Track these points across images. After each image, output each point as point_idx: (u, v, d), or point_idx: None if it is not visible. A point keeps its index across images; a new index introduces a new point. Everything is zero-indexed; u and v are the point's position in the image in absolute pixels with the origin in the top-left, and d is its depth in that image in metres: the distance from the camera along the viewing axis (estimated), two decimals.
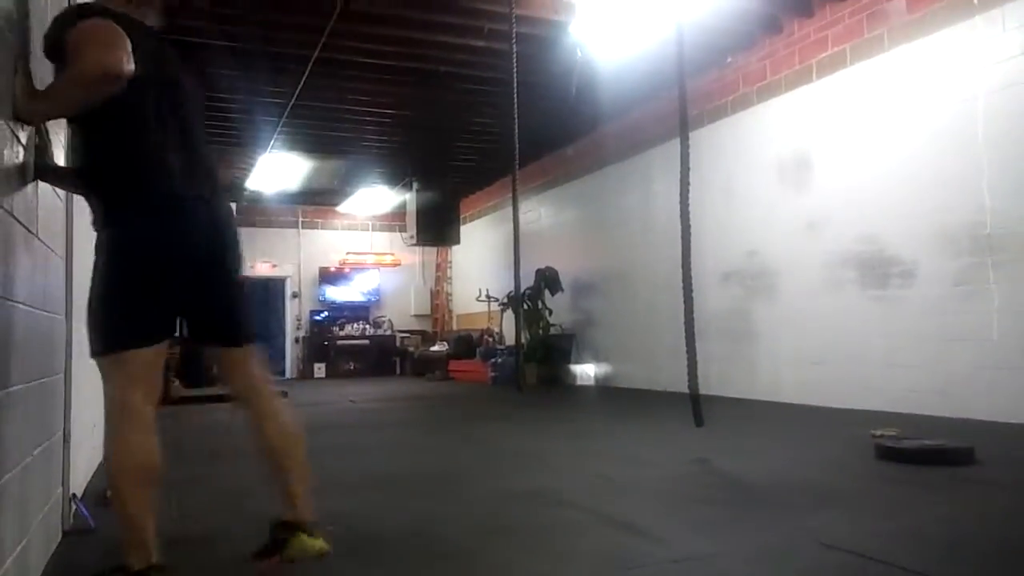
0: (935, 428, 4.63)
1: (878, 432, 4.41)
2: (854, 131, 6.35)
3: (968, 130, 5.41)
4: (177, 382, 9.26)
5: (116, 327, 1.99)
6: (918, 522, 2.70)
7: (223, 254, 2.15)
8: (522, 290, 9.13)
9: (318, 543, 2.15)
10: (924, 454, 3.74)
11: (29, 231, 2.08)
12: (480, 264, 13.87)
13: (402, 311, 15.21)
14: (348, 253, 15.07)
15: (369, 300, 15.00)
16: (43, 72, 2.13)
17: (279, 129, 9.44)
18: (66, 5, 2.64)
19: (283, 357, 14.45)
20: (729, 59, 7.65)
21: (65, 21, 1.98)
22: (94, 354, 2.01)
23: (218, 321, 2.18)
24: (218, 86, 7.69)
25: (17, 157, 1.96)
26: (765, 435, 5.19)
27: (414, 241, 12.83)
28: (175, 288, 2.04)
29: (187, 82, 2.20)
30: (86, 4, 2.11)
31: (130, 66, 1.86)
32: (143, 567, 1.91)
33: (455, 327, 15.13)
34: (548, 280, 10.51)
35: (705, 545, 2.49)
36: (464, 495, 3.41)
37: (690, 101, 5.89)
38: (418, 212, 12.39)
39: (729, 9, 6.63)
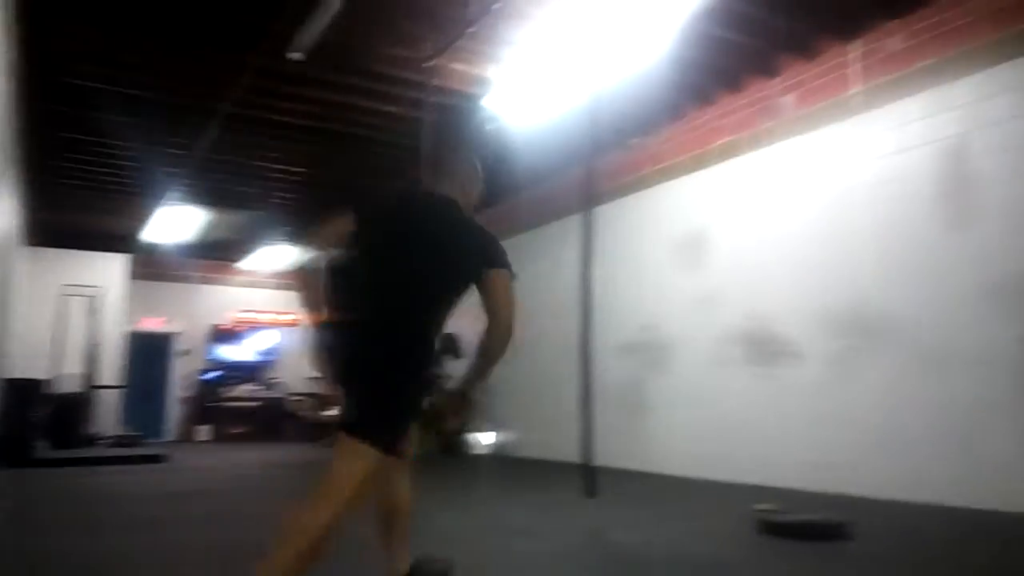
0: (815, 503, 4.79)
1: (760, 507, 4.52)
2: (746, 214, 6.71)
3: (847, 220, 5.81)
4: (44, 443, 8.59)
5: None
6: None
7: None
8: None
9: None
10: (801, 529, 3.85)
11: None
12: None
13: (299, 373, 14.73)
14: (243, 311, 14.57)
15: (264, 360, 14.46)
16: None
17: (180, 180, 9.17)
18: None
19: (163, 418, 13.63)
20: (634, 140, 7.99)
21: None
22: None
23: None
24: (114, 133, 7.44)
25: None
26: (656, 507, 5.24)
27: None
28: None
29: None
30: None
31: None
32: None
33: None
34: (451, 346, 10.44)
35: None
36: (346, 571, 3.26)
37: (596, 178, 6.13)
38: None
39: (635, 95, 6.96)
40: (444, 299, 2.45)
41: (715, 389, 6.76)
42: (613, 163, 8.18)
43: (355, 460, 2.25)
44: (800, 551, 3.57)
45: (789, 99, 6.43)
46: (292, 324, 14.86)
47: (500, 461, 9.19)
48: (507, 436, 9.81)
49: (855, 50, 5.90)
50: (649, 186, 7.89)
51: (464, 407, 2.54)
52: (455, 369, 10.25)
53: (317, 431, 12.88)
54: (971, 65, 5.12)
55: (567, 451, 7.88)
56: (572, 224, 8.36)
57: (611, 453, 7.02)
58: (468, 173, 2.80)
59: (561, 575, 3.14)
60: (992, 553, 3.60)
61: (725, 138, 7.01)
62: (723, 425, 6.61)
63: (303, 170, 9.26)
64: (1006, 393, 4.70)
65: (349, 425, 2.29)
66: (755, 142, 6.70)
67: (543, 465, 8.16)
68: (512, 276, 2.48)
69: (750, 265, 6.60)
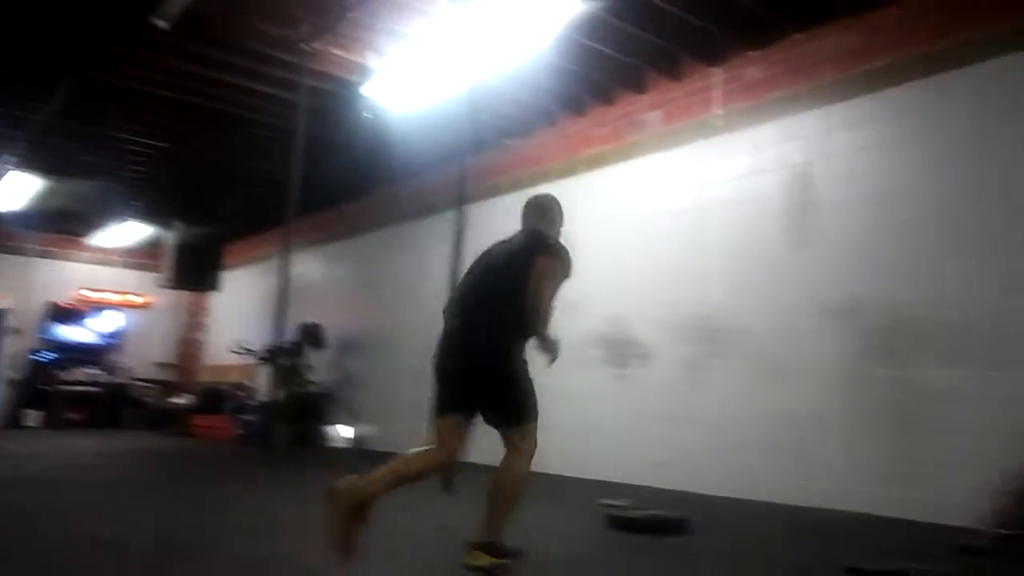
0: (661, 500, 5.05)
1: (608, 502, 4.72)
2: (611, 222, 6.97)
3: (702, 235, 6.18)
4: None
5: None
6: None
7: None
8: (283, 344, 8.78)
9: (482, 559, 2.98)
10: (647, 524, 4.07)
11: None
12: (240, 314, 13.12)
13: (146, 358, 13.90)
14: (86, 289, 13.58)
15: (107, 343, 13.52)
16: None
17: (22, 145, 8.43)
18: None
19: None
20: (508, 143, 8.12)
21: None
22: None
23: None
24: None
25: None
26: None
27: (170, 284, 11.90)
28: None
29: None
30: None
31: None
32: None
33: (204, 379, 14.09)
34: (312, 336, 10.19)
35: None
36: (194, 566, 3.13)
37: (468, 177, 6.19)
38: (177, 253, 11.55)
39: (512, 96, 7.09)
40: (509, 300, 3.06)
41: (574, 389, 6.98)
42: (488, 163, 8.26)
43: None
44: (644, 545, 3.77)
45: (656, 115, 6.75)
46: (139, 306, 14.02)
47: (359, 454, 9.07)
48: (366, 430, 9.69)
49: (718, 75, 6.28)
50: (521, 188, 8.00)
51: (554, 350, 3.21)
52: (316, 359, 10.03)
53: (162, 418, 12.21)
54: (818, 100, 5.59)
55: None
56: (444, 221, 8.41)
57: (471, 450, 7.11)
58: (556, 216, 3.58)
59: (406, 570, 3.15)
60: (813, 547, 3.95)
61: (595, 147, 7.26)
62: (580, 424, 6.84)
63: (164, 145, 8.76)
64: (835, 403, 5.16)
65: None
66: (623, 154, 6.98)
67: None
68: (554, 255, 3.11)
69: (612, 273, 6.86)
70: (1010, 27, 4.67)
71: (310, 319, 10.22)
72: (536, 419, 3.25)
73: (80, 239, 13.14)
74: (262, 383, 11.30)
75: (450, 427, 3.14)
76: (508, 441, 3.24)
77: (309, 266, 11.45)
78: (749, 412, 5.62)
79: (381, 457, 8.44)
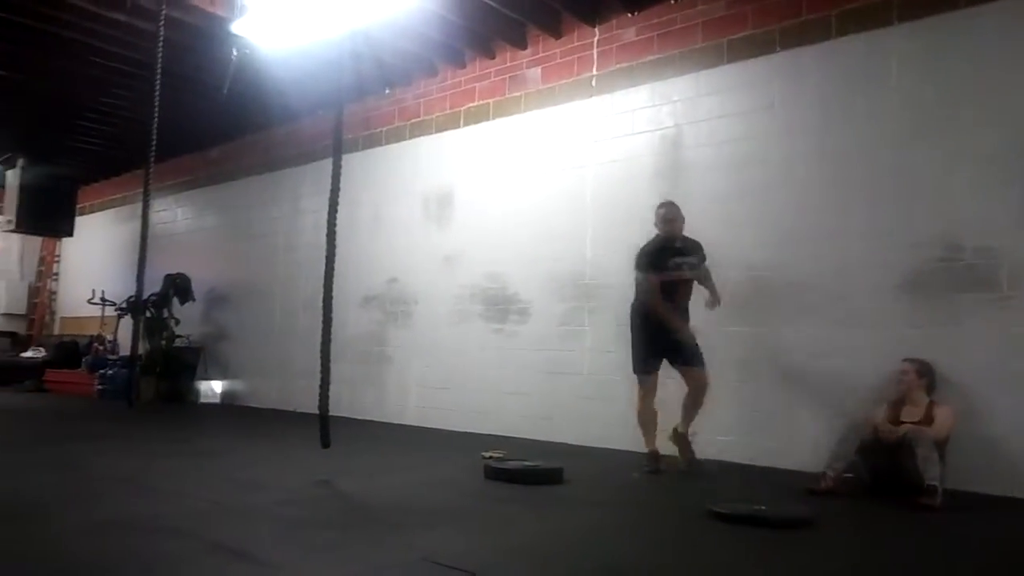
0: (538, 451, 5.23)
1: (487, 454, 4.83)
2: (491, 178, 6.99)
3: (579, 193, 6.31)
4: None
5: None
6: (517, 537, 3.01)
7: None
8: (147, 295, 8.31)
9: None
10: (522, 474, 4.20)
11: None
12: (97, 262, 12.25)
13: None
14: None
15: None
16: None
17: None
18: None
19: None
20: (388, 91, 7.91)
21: None
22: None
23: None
24: None
25: None
26: (389, 457, 5.37)
27: (12, 227, 10.94)
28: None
29: None
30: None
31: None
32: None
33: (58, 331, 13.16)
34: (179, 287, 9.69)
35: (319, 568, 2.49)
36: (45, 529, 2.96)
37: (347, 125, 5.96)
38: (22, 194, 10.62)
39: (393, 44, 6.88)
40: None
41: (452, 343, 7.03)
42: (368, 111, 8.04)
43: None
44: (519, 494, 3.89)
45: (536, 72, 6.76)
46: None
47: (229, 410, 8.79)
48: (238, 385, 9.39)
49: (596, 35, 6.35)
50: (400, 139, 7.88)
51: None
52: (183, 311, 9.55)
53: (13, 373, 11.34)
54: (688, 66, 5.78)
55: (304, 402, 7.75)
56: (313, 171, 8.14)
57: (349, 404, 7.07)
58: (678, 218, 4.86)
59: (281, 525, 3.11)
60: (676, 493, 4.22)
61: (476, 101, 7.20)
62: (458, 377, 6.92)
63: (2, 73, 7.93)
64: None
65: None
66: (503, 109, 6.97)
67: (278, 415, 7.96)
68: (640, 272, 4.79)
69: (491, 227, 6.89)
70: (858, 7, 5.01)
71: (176, 269, 9.70)
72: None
73: None
74: (124, 336, 10.68)
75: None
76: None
77: (175, 212, 10.84)
78: (617, 365, 5.83)
79: (251, 413, 8.23)
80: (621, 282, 5.88)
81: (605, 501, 3.94)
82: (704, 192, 5.54)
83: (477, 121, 7.16)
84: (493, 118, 7.04)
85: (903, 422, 4.17)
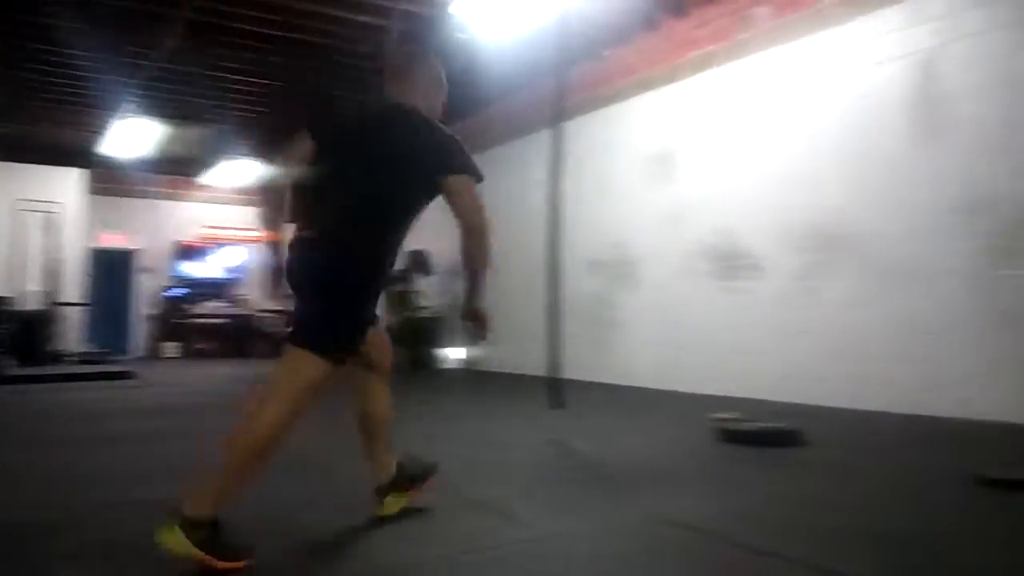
0: (775, 412, 4.95)
1: (720, 415, 4.66)
2: (718, 128, 6.67)
3: (816, 134, 5.80)
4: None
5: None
6: (753, 501, 2.88)
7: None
8: (394, 271, 9.03)
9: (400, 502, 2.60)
10: (759, 436, 3.99)
11: None
12: None
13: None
14: (208, 227, 14.33)
15: (231, 277, 14.33)
16: None
17: (137, 92, 8.83)
18: None
19: (127, 336, 13.54)
20: (606, 52, 7.82)
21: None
22: None
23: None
24: (68, 41, 7.10)
25: None
26: (620, 418, 5.38)
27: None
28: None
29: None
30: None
31: None
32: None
33: None
34: (421, 262, 10.43)
35: (557, 524, 2.55)
36: (329, 480, 3.34)
37: (566, 91, 6.01)
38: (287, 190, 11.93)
39: (608, 3, 6.78)
40: (399, 209, 2.38)
41: (681, 303, 6.87)
42: (585, 76, 8.00)
43: (302, 369, 2.21)
44: (755, 457, 3.71)
45: (764, 9, 6.30)
46: (258, 240, 14.70)
47: (469, 375, 9.34)
48: (476, 351, 9.93)
49: None
50: (622, 100, 7.76)
51: (478, 321, 2.59)
52: (425, 284, 10.29)
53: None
54: None
55: (536, 365, 8.03)
56: (541, 139, 8.27)
57: (579, 367, 7.16)
58: (431, 80, 2.64)
59: (523, 482, 3.23)
60: (938, 457, 3.78)
61: (699, 49, 6.88)
62: (689, 338, 6.75)
63: (267, 82, 8.96)
64: (964, 307, 4.83)
65: (297, 336, 2.25)
66: (729, 54, 6.59)
67: (512, 379, 8.31)
68: (476, 179, 2.41)
69: (717, 180, 6.60)
70: None
71: (418, 246, 10.44)
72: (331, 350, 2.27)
73: (196, 179, 13.79)
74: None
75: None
76: (284, 360, 2.31)
77: None
78: (868, 319, 5.36)
79: (492, 377, 8.64)
80: (868, 230, 5.39)
81: (852, 465, 3.61)
82: (971, 120, 4.85)
83: (701, 70, 6.84)
84: (720, 64, 6.68)
85: None
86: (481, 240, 2.39)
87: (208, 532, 1.99)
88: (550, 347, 4.27)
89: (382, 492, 2.60)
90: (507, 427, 4.94)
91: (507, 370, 8.96)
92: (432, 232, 11.83)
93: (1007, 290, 4.55)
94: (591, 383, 7.22)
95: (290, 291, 2.34)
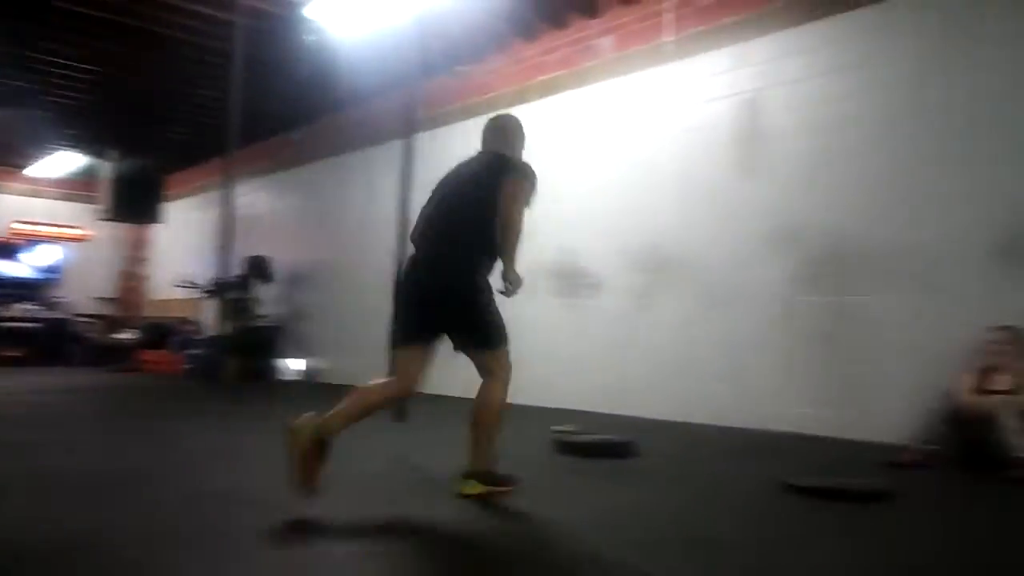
0: (610, 425, 5.19)
1: (558, 428, 4.82)
2: (563, 151, 6.92)
3: (654, 163, 6.17)
4: None
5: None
6: (588, 511, 3.00)
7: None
8: (230, 277, 8.61)
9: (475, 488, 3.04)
10: (595, 448, 4.17)
11: None
12: (185, 247, 12.82)
13: (88, 292, 13.52)
14: (19, 222, 13.04)
15: (45, 277, 13.08)
16: None
17: None
18: None
19: None
20: (459, 68, 7.92)
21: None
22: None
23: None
24: None
25: None
26: (462, 431, 5.41)
27: (108, 215, 11.49)
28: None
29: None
30: None
31: None
32: None
33: (148, 314, 13.82)
34: (260, 269, 10.02)
35: (392, 539, 2.53)
36: (146, 499, 3.11)
37: (418, 104, 6.03)
38: (116, 184, 11.12)
39: (462, 20, 6.88)
40: (476, 224, 2.99)
41: (526, 318, 7.01)
42: (439, 90, 8.07)
43: (502, 359, 3.13)
44: (591, 468, 3.87)
45: (608, 41, 6.64)
46: (76, 239, 13.56)
47: (311, 388, 9.06)
48: (317, 362, 9.66)
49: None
50: (474, 116, 7.86)
51: (515, 283, 3.02)
52: (264, 292, 9.87)
53: (106, 354, 11.97)
54: (768, 26, 5.55)
55: (380, 377, 7.93)
56: (393, 149, 8.21)
57: (426, 380, 7.13)
58: (517, 138, 3.45)
59: (363, 497, 3.19)
60: (752, 466, 4.11)
61: (547, 74, 7.13)
62: (532, 352, 6.88)
63: (96, 69, 8.32)
64: (774, 329, 5.30)
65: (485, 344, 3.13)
66: (575, 80, 6.88)
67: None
68: (523, 178, 3.03)
69: (563, 201, 6.83)
70: None
71: (257, 252, 10.03)
72: (506, 344, 3.12)
73: (10, 170, 12.53)
74: (209, 317, 11.13)
75: (412, 356, 3.11)
76: (481, 367, 3.13)
77: (255, 197, 11.17)
78: (693, 339, 5.75)
79: (332, 390, 8.45)
80: (697, 254, 5.78)
81: (680, 475, 3.87)
82: (787, 158, 5.35)
83: (549, 94, 7.10)
84: (565, 90, 6.96)
85: (991, 391, 3.97)
86: (508, 225, 2.95)
87: (488, 475, 3.04)
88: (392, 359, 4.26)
89: (468, 476, 3.07)
90: (348, 440, 4.81)
91: (351, 382, 8.73)
92: (272, 238, 11.43)
93: (808, 315, 5.04)
94: (436, 396, 7.20)
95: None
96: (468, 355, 3.12)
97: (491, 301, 3.04)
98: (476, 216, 2.98)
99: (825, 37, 5.27)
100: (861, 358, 4.91)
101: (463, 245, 3.02)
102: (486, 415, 3.06)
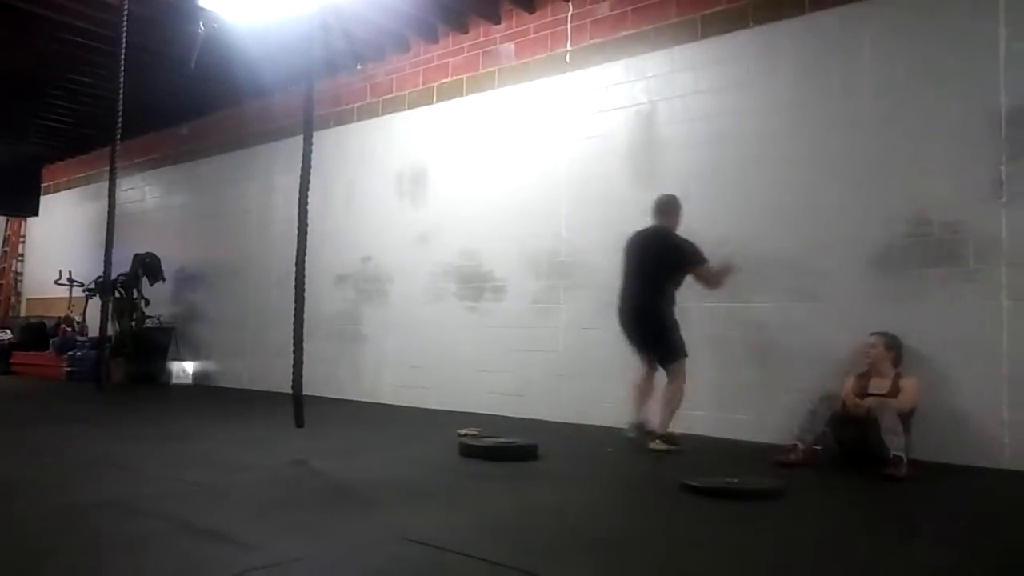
0: (512, 428, 5.25)
1: (462, 431, 4.84)
2: (465, 154, 6.94)
3: (553, 170, 6.29)
4: None
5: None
6: (490, 514, 3.03)
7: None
8: (115, 276, 8.18)
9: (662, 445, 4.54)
10: (497, 451, 4.22)
11: None
12: (64, 242, 12.03)
13: None
14: None
15: None
16: None
17: None
18: None
19: None
20: (359, 66, 7.80)
21: None
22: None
23: None
24: None
25: None
26: (364, 435, 5.37)
27: None
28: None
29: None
30: None
31: None
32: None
33: (24, 313, 12.93)
34: (147, 267, 9.55)
35: (295, 548, 2.48)
36: (17, 511, 2.92)
37: (319, 101, 5.87)
38: None
39: (365, 18, 6.78)
40: (661, 282, 4.78)
41: (426, 321, 7.01)
42: (341, 88, 7.94)
43: (681, 366, 4.74)
44: (494, 471, 3.91)
45: (510, 47, 6.70)
46: None
47: (204, 391, 8.72)
48: (210, 365, 9.31)
49: (570, 10, 6.29)
50: (373, 116, 7.79)
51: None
52: (153, 291, 9.39)
53: None
54: (662, 41, 5.76)
55: (279, 382, 7.71)
56: (285, 148, 8.02)
57: (324, 383, 7.02)
58: (674, 213, 4.94)
59: (262, 505, 3.10)
60: (648, 467, 4.27)
61: (449, 77, 7.13)
62: (435, 356, 6.91)
63: None
64: None
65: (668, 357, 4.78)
66: (476, 84, 6.91)
67: (253, 396, 7.91)
68: (700, 264, 4.73)
69: (465, 204, 6.86)
70: None
71: (145, 249, 9.56)
72: (684, 356, 4.72)
73: None
74: (92, 317, 10.52)
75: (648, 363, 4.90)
76: (668, 371, 4.74)
77: (143, 191, 10.65)
78: (591, 343, 5.86)
79: (224, 393, 8.12)
80: (594, 261, 5.90)
81: (580, 476, 3.97)
82: (679, 169, 5.55)
83: (451, 97, 7.10)
84: (467, 94, 6.98)
85: (870, 394, 4.25)
86: (712, 288, 4.86)
87: (669, 438, 4.55)
88: (295, 363, 4.14)
89: (657, 437, 4.54)
90: (243, 447, 4.70)
91: (247, 386, 8.50)
92: (163, 235, 10.98)
93: (702, 320, 5.23)
94: (337, 400, 7.10)
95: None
96: (662, 364, 4.78)
97: (674, 329, 4.74)
98: (662, 275, 4.78)
99: (715, 56, 5.52)
100: (752, 362, 5.15)
101: (654, 294, 4.77)
102: (673, 399, 4.67)
